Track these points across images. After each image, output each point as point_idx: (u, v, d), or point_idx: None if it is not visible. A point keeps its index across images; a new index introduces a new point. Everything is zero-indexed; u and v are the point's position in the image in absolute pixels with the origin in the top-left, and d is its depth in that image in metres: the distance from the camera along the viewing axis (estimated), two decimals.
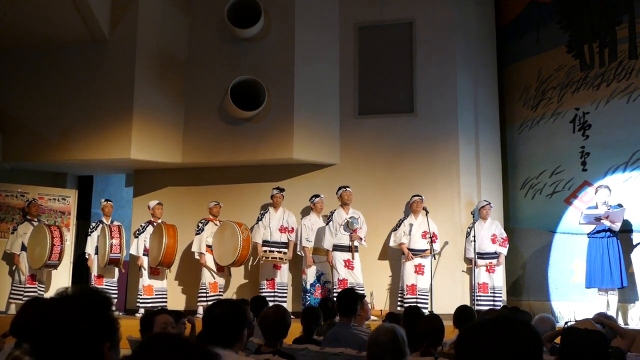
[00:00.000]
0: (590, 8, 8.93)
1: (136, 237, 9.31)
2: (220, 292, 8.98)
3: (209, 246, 8.99)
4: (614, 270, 7.71)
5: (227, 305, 3.05)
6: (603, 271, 7.78)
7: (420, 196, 8.76)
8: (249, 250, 8.69)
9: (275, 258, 8.72)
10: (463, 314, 5.00)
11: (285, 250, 8.89)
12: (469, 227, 8.74)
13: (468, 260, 8.78)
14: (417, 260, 8.59)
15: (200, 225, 9.13)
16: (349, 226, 8.51)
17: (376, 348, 3.13)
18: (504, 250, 8.67)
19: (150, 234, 9.07)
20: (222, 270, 9.04)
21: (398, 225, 8.80)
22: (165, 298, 9.15)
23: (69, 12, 8.92)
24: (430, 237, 8.48)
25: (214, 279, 8.96)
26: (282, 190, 9.06)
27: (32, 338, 1.67)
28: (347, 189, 8.78)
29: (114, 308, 1.75)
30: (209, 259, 8.98)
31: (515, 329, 1.50)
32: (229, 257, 8.64)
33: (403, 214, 8.95)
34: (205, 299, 8.83)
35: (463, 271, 8.87)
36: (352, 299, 4.80)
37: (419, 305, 7.51)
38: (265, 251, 8.77)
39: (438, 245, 8.68)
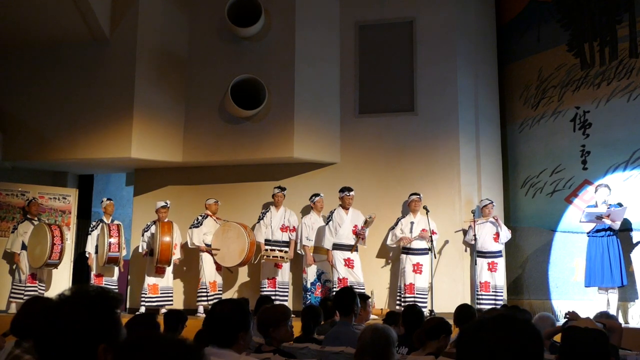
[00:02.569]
0: (591, 7, 8.92)
1: (142, 235, 9.30)
2: (219, 290, 8.98)
3: (207, 245, 8.97)
4: (614, 269, 7.72)
5: (228, 304, 3.04)
6: (603, 270, 7.78)
7: (418, 194, 8.74)
8: (253, 253, 8.72)
9: (277, 257, 8.72)
10: (464, 313, 4.98)
11: (287, 249, 8.89)
12: (470, 226, 8.72)
13: (468, 258, 8.77)
14: (416, 260, 8.58)
15: (199, 218, 9.10)
16: (366, 223, 8.46)
17: (360, 344, 3.18)
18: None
19: (152, 233, 9.08)
20: (219, 269, 9.04)
21: (396, 224, 8.79)
22: (171, 297, 9.11)
23: (70, 11, 8.92)
24: (430, 235, 8.45)
25: (213, 277, 8.96)
26: (283, 189, 9.06)
27: (33, 334, 1.66)
28: (350, 193, 8.69)
29: (118, 310, 1.68)
30: (207, 258, 8.97)
31: (516, 327, 1.49)
32: (233, 258, 8.67)
33: (401, 214, 8.95)
34: (205, 298, 8.83)
35: (461, 269, 8.86)
36: (350, 298, 4.77)
37: (418, 304, 7.50)
38: (266, 250, 8.77)
39: (436, 239, 8.61)
